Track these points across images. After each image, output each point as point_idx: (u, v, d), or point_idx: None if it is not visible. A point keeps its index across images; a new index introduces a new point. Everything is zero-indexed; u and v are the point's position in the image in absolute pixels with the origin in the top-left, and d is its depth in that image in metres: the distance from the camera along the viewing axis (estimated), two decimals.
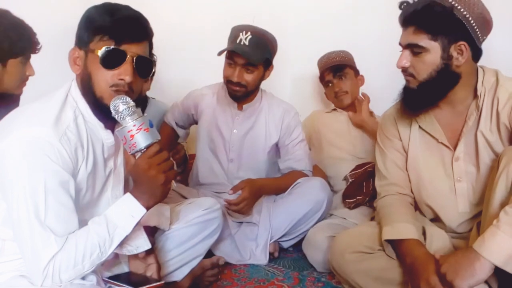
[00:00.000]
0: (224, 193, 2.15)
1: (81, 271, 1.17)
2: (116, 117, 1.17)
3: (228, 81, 2.09)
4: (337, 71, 2.46)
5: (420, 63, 1.44)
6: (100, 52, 1.18)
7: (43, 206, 1.12)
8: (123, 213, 1.22)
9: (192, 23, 2.80)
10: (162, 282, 1.37)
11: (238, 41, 2.02)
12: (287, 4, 2.91)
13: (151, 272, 1.39)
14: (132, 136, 1.15)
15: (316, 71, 2.72)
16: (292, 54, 2.78)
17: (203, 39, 2.75)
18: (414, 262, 1.41)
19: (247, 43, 2.01)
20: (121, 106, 1.16)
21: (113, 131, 1.30)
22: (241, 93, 2.12)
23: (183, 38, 2.73)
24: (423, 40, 1.41)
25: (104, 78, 1.20)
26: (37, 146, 1.13)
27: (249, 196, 2.02)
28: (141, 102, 2.40)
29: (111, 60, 1.19)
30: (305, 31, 2.88)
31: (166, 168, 1.20)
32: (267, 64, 2.13)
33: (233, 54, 2.04)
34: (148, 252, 1.39)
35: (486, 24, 1.44)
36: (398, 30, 1.51)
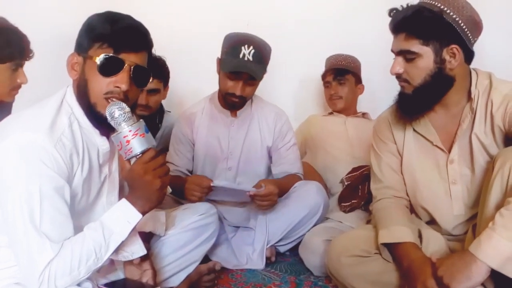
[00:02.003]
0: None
1: (77, 277, 1.16)
2: (112, 122, 1.17)
3: (228, 94, 2.06)
4: (338, 74, 2.48)
5: (413, 69, 1.44)
6: (98, 59, 1.19)
7: (38, 212, 1.12)
8: (119, 218, 1.22)
9: (187, 28, 2.81)
10: (158, 287, 1.36)
11: (241, 56, 1.96)
12: (283, 8, 2.91)
13: (147, 278, 1.38)
14: (128, 141, 1.15)
15: (312, 75, 2.73)
16: (288, 58, 2.78)
17: (198, 44, 2.75)
18: (410, 265, 1.41)
19: (251, 58, 1.96)
20: (116, 111, 1.17)
21: (108, 138, 1.30)
22: (240, 103, 2.11)
23: (178, 43, 2.73)
24: (415, 46, 1.42)
25: (100, 85, 1.21)
26: (32, 151, 1.13)
27: (275, 192, 1.99)
28: (158, 113, 2.40)
29: (109, 68, 1.20)
30: (301, 35, 2.88)
31: (162, 173, 1.21)
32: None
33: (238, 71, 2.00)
34: (143, 258, 1.38)
35: (476, 26, 1.45)
36: None
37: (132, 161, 1.19)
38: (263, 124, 2.22)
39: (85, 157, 1.25)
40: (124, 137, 1.16)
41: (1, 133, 1.17)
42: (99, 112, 1.21)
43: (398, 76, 1.48)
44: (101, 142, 1.29)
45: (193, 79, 2.59)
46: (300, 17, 2.88)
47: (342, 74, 2.47)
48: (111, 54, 1.20)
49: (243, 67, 1.97)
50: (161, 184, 1.20)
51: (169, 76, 2.34)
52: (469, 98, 1.49)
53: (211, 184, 1.91)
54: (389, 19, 1.49)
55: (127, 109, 1.19)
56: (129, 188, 1.26)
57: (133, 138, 1.16)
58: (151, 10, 2.73)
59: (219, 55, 2.08)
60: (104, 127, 1.25)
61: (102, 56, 1.19)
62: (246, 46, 1.96)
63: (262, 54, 2.01)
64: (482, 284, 1.30)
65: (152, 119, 2.30)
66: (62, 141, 1.18)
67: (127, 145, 1.16)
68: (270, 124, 2.22)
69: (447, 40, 1.42)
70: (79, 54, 1.24)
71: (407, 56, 1.44)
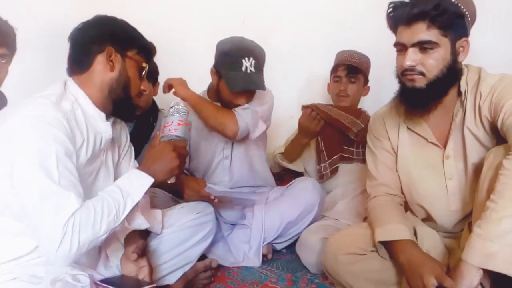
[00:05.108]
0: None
1: (98, 233, 1.20)
2: (174, 110, 1.43)
3: (232, 104, 2.04)
4: (350, 72, 2.40)
5: (430, 60, 1.41)
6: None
7: (56, 173, 1.17)
8: (133, 181, 1.32)
9: (183, 26, 2.79)
10: (154, 284, 1.37)
11: (244, 69, 1.93)
12: (280, 3, 2.90)
13: (143, 275, 1.40)
14: (178, 124, 1.41)
15: (307, 76, 2.71)
16: (288, 55, 2.79)
17: (194, 42, 2.74)
18: (409, 260, 1.42)
19: (253, 70, 1.93)
20: (181, 106, 1.45)
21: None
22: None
23: (173, 41, 2.71)
24: (436, 36, 1.40)
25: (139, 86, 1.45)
26: (44, 120, 1.20)
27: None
28: (152, 111, 2.37)
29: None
30: (300, 31, 2.86)
31: (182, 157, 1.40)
32: None
33: None
34: (140, 255, 1.40)
35: (474, 22, 1.48)
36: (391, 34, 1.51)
37: (162, 140, 1.41)
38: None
39: (90, 139, 1.33)
40: (179, 120, 1.41)
41: (6, 115, 1.23)
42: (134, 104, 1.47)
43: (411, 69, 1.43)
44: (105, 128, 1.39)
45: (189, 77, 2.57)
46: (299, 12, 2.86)
47: (354, 72, 2.40)
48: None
49: (251, 84, 1.96)
50: (178, 163, 1.38)
51: (158, 72, 2.30)
52: (460, 92, 1.49)
53: (206, 190, 1.91)
54: (385, 19, 1.49)
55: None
56: (147, 160, 1.39)
57: (183, 124, 1.42)
58: (146, 8, 2.73)
59: (213, 57, 2.06)
60: (119, 112, 1.42)
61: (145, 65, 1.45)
62: (246, 58, 1.94)
63: (262, 61, 2.01)
64: (480, 284, 1.32)
65: (146, 118, 2.28)
66: (67, 116, 1.26)
67: (176, 126, 1.40)
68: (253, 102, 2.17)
69: (460, 32, 1.43)
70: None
71: (425, 46, 1.41)
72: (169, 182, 1.41)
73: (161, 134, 1.42)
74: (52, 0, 2.46)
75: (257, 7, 2.82)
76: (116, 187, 1.29)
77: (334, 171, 2.29)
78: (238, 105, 2.04)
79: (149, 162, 1.37)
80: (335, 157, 2.30)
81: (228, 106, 2.07)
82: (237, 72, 1.94)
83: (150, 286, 1.34)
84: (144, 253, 1.44)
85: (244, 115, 2.03)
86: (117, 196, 1.26)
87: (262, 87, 2.00)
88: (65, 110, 1.27)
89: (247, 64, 1.93)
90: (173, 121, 1.41)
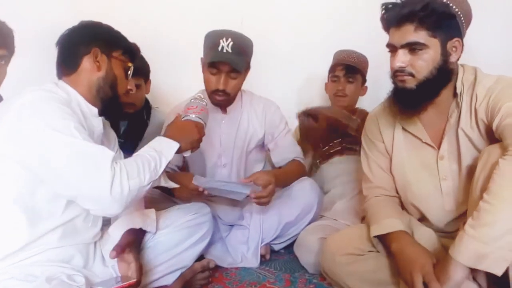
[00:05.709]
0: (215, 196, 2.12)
1: (143, 182, 1.26)
2: (197, 99, 1.60)
3: (212, 91, 2.04)
4: (349, 72, 2.41)
5: (419, 61, 1.42)
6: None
7: (80, 136, 1.22)
8: (162, 144, 1.40)
9: (181, 26, 2.80)
10: (134, 280, 1.38)
11: (220, 48, 1.96)
12: (279, 4, 2.90)
13: (131, 271, 1.41)
14: (202, 109, 1.58)
15: (307, 76, 2.70)
16: (283, 57, 2.78)
17: (192, 42, 2.75)
18: (401, 250, 1.43)
19: (230, 50, 1.96)
20: (202, 98, 1.63)
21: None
22: (226, 101, 2.08)
23: (171, 41, 2.72)
24: (424, 37, 1.40)
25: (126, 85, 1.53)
26: (48, 99, 1.26)
27: (273, 181, 1.94)
28: (145, 109, 2.37)
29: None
30: (296, 35, 2.87)
31: (200, 138, 1.53)
32: (247, 67, 2.09)
33: (217, 63, 1.98)
34: (120, 252, 1.43)
35: (469, 21, 1.47)
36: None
37: (185, 119, 1.55)
38: (253, 116, 2.21)
39: (87, 128, 1.36)
40: (203, 105, 1.59)
41: (8, 104, 1.28)
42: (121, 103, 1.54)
43: (401, 70, 1.44)
44: (97, 123, 1.45)
45: (189, 77, 2.58)
46: (299, 12, 2.86)
47: (352, 72, 2.41)
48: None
49: (221, 58, 1.96)
50: (198, 137, 1.51)
51: (149, 70, 2.31)
52: (455, 93, 1.48)
53: (193, 182, 1.86)
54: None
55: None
56: (171, 131, 1.48)
57: (205, 110, 1.60)
58: (145, 8, 2.73)
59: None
60: (104, 112, 1.46)
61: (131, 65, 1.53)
62: (224, 39, 1.97)
63: (242, 46, 2.00)
64: (476, 281, 1.34)
65: (140, 115, 2.28)
66: (65, 102, 1.31)
67: (200, 110, 1.57)
68: (259, 116, 2.21)
69: (451, 33, 1.43)
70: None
71: (414, 47, 1.41)
72: (184, 155, 1.52)
73: (183, 114, 1.55)
74: (50, 2, 2.49)
75: (257, 7, 2.82)
76: (148, 147, 1.37)
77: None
78: (216, 91, 2.02)
79: (173, 132, 1.46)
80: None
81: (211, 96, 2.04)
82: (213, 51, 1.98)
83: (129, 282, 1.36)
84: (130, 250, 1.45)
85: (298, 149, 2.26)
86: (152, 153, 1.33)
87: (235, 65, 1.98)
88: (63, 98, 1.32)
89: (224, 44, 1.96)
90: (197, 106, 1.57)
